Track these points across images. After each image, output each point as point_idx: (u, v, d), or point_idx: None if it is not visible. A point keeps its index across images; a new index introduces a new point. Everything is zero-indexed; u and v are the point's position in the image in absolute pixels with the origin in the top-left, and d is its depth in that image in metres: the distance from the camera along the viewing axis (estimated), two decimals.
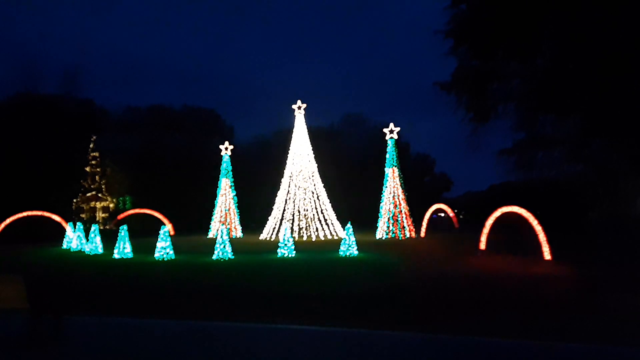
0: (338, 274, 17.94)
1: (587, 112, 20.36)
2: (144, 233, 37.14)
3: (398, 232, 39.71)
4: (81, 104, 61.03)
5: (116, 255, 24.73)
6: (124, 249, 24.86)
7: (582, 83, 19.44)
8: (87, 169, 57.72)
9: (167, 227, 24.95)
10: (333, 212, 41.76)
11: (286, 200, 40.99)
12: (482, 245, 25.38)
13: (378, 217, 41.15)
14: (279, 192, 42.22)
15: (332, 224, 40.71)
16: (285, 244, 24.05)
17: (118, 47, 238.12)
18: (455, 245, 28.28)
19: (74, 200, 57.06)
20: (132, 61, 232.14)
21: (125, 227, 25.61)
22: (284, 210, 40.65)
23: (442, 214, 61.69)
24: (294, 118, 42.90)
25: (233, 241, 28.05)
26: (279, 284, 15.67)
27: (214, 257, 23.14)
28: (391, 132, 42.07)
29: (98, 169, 58.21)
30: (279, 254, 23.95)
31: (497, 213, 24.97)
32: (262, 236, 40.80)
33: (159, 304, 12.34)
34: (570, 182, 26.45)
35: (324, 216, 40.54)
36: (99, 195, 58.05)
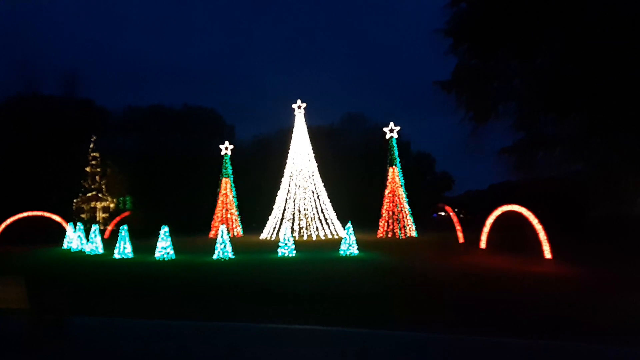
0: (338, 274, 17.94)
1: (588, 112, 20.36)
2: (144, 233, 37.14)
3: (399, 231, 39.73)
4: (81, 104, 61.03)
5: (117, 256, 24.75)
6: (124, 249, 24.88)
7: (582, 83, 19.44)
8: (88, 169, 57.75)
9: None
10: (333, 211, 41.79)
11: (286, 199, 41.01)
12: (483, 244, 25.39)
13: (378, 217, 41.17)
14: (279, 191, 42.25)
15: (332, 223, 40.72)
16: (286, 244, 24.06)
17: (118, 47, 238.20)
18: (455, 244, 28.24)
19: (74, 201, 57.10)
20: (132, 61, 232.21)
21: (125, 227, 25.63)
22: (285, 209, 40.68)
23: (443, 213, 61.74)
24: (294, 117, 42.96)
25: (233, 241, 28.05)
26: (279, 283, 15.67)
27: (215, 256, 23.15)
28: (391, 131, 42.10)
29: (98, 169, 58.24)
30: (280, 254, 23.95)
31: (498, 212, 24.96)
32: (263, 236, 40.83)
33: (160, 304, 12.35)
34: (570, 182, 26.45)
35: (324, 215, 40.56)
36: (99, 195, 58.08)
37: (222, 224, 35.04)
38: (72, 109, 57.84)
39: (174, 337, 8.58)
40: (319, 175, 42.15)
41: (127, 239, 25.11)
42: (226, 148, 47.83)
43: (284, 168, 42.39)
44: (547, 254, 21.57)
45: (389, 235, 39.64)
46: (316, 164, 42.31)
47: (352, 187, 61.01)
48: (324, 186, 42.12)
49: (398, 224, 40.00)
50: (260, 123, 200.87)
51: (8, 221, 34.61)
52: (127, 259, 24.27)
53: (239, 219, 47.21)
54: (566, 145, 23.02)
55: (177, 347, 7.90)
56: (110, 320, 10.03)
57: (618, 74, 18.15)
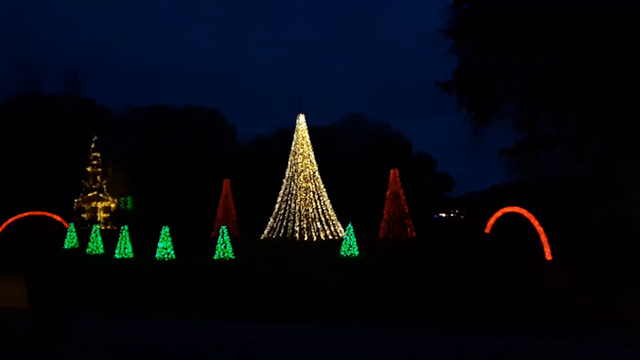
0: (338, 274, 17.92)
1: (589, 112, 20.34)
2: (144, 233, 37.12)
3: (399, 232, 39.62)
4: (82, 104, 61.02)
5: (117, 255, 24.74)
6: (124, 249, 24.87)
7: (583, 83, 19.42)
8: (89, 169, 57.74)
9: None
10: (334, 212, 41.73)
11: (287, 200, 40.97)
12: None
13: (379, 217, 41.08)
14: (280, 192, 42.22)
15: (333, 224, 40.67)
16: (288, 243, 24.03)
17: (120, 46, 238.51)
18: (455, 244, 28.22)
19: (75, 200, 57.08)
20: (134, 61, 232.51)
21: (126, 227, 25.62)
22: (285, 210, 40.64)
23: (443, 214, 61.75)
24: (296, 118, 42.94)
25: (234, 241, 28.01)
26: (279, 283, 15.66)
27: (215, 257, 23.13)
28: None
29: (99, 169, 58.23)
30: (280, 254, 23.90)
31: (499, 213, 24.88)
32: (263, 236, 40.79)
33: (160, 304, 12.34)
34: (571, 182, 26.40)
35: (325, 216, 40.51)
36: (100, 195, 58.06)
37: (222, 224, 35.05)
38: (73, 109, 57.88)
39: (174, 337, 8.57)
40: (319, 175, 42.11)
41: (128, 239, 25.10)
42: (227, 148, 47.74)
43: (285, 168, 42.37)
44: (548, 256, 21.54)
45: (390, 236, 39.52)
46: (317, 165, 42.28)
47: (353, 187, 60.91)
48: (325, 187, 42.07)
49: (399, 224, 39.87)
50: (261, 123, 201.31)
51: (9, 220, 34.62)
52: (128, 259, 24.25)
53: (239, 219, 47.15)
54: (567, 145, 22.97)
55: (177, 347, 7.89)
56: (110, 319, 10.03)
57: (618, 74, 18.13)
